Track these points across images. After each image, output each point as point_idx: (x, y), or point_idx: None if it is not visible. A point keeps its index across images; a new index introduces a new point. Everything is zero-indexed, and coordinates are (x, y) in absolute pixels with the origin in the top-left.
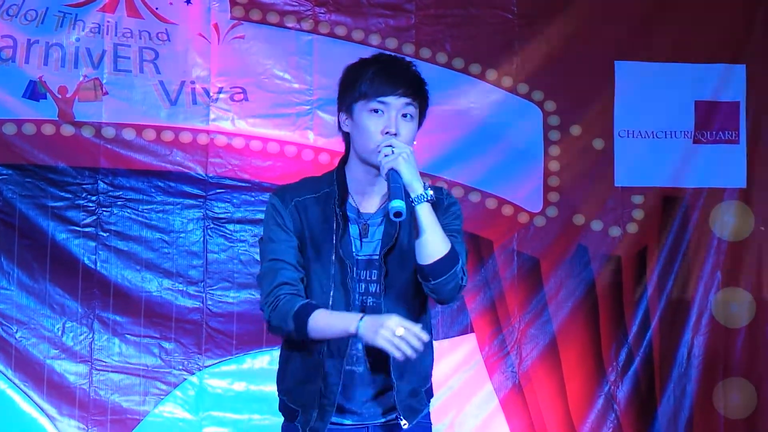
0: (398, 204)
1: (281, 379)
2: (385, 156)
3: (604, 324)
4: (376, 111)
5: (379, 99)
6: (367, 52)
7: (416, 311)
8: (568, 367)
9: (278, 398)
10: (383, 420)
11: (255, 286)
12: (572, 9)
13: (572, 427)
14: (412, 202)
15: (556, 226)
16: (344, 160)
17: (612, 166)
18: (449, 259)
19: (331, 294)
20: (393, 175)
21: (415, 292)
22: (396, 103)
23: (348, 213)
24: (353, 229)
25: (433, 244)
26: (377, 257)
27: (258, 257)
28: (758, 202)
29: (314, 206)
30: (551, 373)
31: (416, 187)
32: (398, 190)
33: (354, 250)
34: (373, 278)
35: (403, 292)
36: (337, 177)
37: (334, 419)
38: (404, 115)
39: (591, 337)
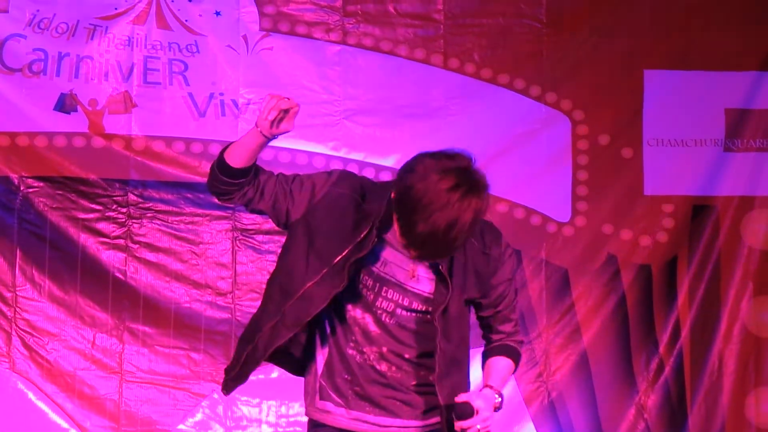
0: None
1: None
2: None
3: (634, 334)
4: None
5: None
6: (395, 62)
7: (457, 366)
8: (598, 377)
9: None
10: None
11: None
12: (601, 18)
13: None
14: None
15: (584, 235)
16: None
17: (641, 175)
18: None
19: (306, 286)
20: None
21: (457, 346)
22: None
23: (392, 239)
24: (392, 255)
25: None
26: (420, 294)
27: None
28: None
29: (353, 206)
30: (581, 383)
31: None
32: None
33: (382, 268)
34: (405, 303)
35: (449, 349)
36: (386, 210)
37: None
38: None
39: (621, 347)
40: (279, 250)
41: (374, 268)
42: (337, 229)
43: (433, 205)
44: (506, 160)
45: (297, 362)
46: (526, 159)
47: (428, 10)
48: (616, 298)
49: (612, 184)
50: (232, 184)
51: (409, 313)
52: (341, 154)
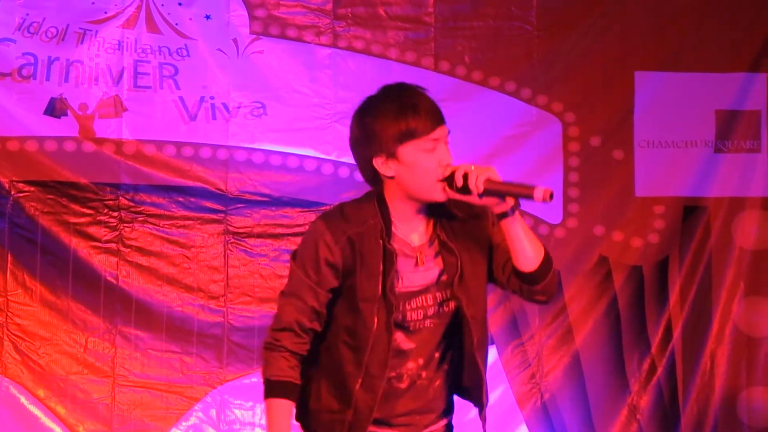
0: (542, 190)
1: (305, 397)
2: (477, 177)
3: (626, 334)
4: (429, 150)
5: (432, 136)
6: (385, 65)
7: (486, 329)
8: (590, 378)
9: (298, 412)
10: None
11: (276, 300)
12: (591, 20)
13: None
14: (508, 214)
15: (576, 237)
16: (381, 193)
17: (632, 176)
18: (549, 256)
19: (373, 330)
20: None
21: (484, 311)
22: (442, 134)
23: (397, 246)
24: (402, 263)
25: (535, 246)
26: (434, 284)
27: (279, 272)
28: None
29: (363, 239)
30: (574, 384)
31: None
32: (510, 193)
33: (401, 284)
34: (429, 303)
35: (479, 315)
36: (381, 211)
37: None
38: (446, 143)
39: (613, 347)
40: (271, 254)
41: (397, 288)
42: (364, 271)
43: (393, 100)
44: (497, 163)
45: None
46: (517, 161)
47: (419, 13)
48: (607, 299)
49: (603, 185)
50: None
51: (438, 308)
52: (332, 157)
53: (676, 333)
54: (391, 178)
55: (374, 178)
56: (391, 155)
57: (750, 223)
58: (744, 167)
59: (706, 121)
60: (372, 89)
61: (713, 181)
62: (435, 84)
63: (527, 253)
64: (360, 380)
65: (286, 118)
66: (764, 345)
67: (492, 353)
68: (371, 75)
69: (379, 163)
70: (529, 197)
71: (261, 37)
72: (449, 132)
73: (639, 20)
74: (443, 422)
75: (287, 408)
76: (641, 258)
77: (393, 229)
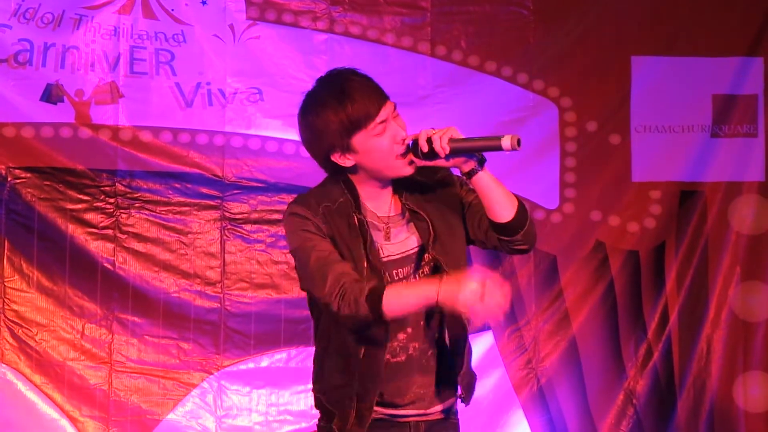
0: (509, 138)
1: (318, 378)
2: (440, 138)
3: (622, 319)
4: (380, 132)
5: (378, 120)
6: (382, 51)
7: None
8: (587, 363)
9: (314, 396)
10: (441, 407)
11: (272, 286)
12: (588, 4)
13: (592, 422)
14: (476, 170)
15: (572, 222)
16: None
17: (629, 161)
18: (523, 204)
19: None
20: (460, 146)
21: (465, 270)
22: (388, 113)
23: (368, 218)
24: (375, 235)
25: (508, 196)
26: (413, 251)
27: (275, 258)
28: None
29: (335, 216)
30: (570, 369)
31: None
32: (478, 148)
33: (382, 254)
34: (411, 270)
35: (458, 255)
36: (347, 187)
37: (390, 412)
38: (395, 117)
39: (610, 332)
40: (267, 240)
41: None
42: (344, 245)
43: (329, 95)
44: None
45: None
46: None
47: None
48: (604, 285)
49: (600, 170)
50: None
51: (418, 274)
52: None
53: (673, 318)
54: (353, 166)
55: (336, 169)
56: (346, 148)
57: (746, 207)
58: (741, 152)
59: (703, 106)
60: (369, 75)
61: (710, 166)
62: (431, 69)
63: (502, 205)
64: (363, 349)
65: (282, 103)
66: (760, 329)
67: (488, 338)
68: (368, 60)
69: (337, 158)
70: (497, 148)
71: (257, 22)
72: (396, 105)
73: (636, 5)
74: (448, 402)
75: (396, 287)
76: (638, 243)
77: (362, 201)
